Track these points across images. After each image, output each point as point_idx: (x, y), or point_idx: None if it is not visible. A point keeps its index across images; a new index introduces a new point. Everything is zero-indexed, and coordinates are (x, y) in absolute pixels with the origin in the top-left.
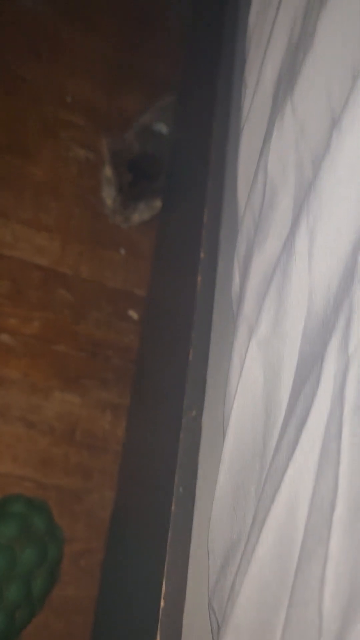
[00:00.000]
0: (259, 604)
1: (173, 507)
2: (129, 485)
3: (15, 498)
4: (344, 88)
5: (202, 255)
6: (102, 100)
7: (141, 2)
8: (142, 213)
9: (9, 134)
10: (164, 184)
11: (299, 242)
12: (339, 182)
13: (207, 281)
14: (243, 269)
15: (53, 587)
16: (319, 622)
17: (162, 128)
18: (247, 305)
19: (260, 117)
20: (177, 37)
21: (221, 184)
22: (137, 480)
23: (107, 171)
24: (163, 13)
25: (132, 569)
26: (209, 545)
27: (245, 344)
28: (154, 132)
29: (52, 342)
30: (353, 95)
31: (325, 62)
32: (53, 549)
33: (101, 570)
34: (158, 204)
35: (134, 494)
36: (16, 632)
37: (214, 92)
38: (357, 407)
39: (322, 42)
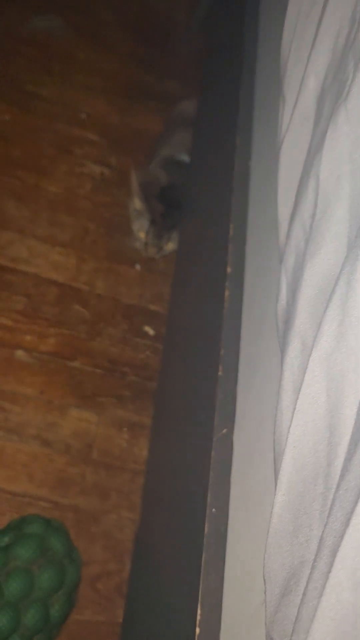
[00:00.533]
0: (337, 636)
1: (206, 529)
2: (155, 506)
3: (32, 519)
4: None
5: (229, 269)
6: (115, 117)
7: (154, 21)
8: (174, 242)
9: (24, 150)
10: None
11: None
12: None
13: (235, 296)
14: (292, 282)
15: (71, 611)
16: None
17: (185, 157)
18: (299, 319)
19: (303, 129)
20: (188, 55)
21: (245, 199)
22: (164, 501)
23: (137, 204)
24: (175, 33)
25: (162, 593)
26: (265, 572)
27: (299, 359)
28: (178, 162)
29: (67, 358)
30: None
31: None
32: (71, 572)
33: (127, 595)
34: None
35: (161, 516)
36: None
37: (236, 109)
38: None
39: None
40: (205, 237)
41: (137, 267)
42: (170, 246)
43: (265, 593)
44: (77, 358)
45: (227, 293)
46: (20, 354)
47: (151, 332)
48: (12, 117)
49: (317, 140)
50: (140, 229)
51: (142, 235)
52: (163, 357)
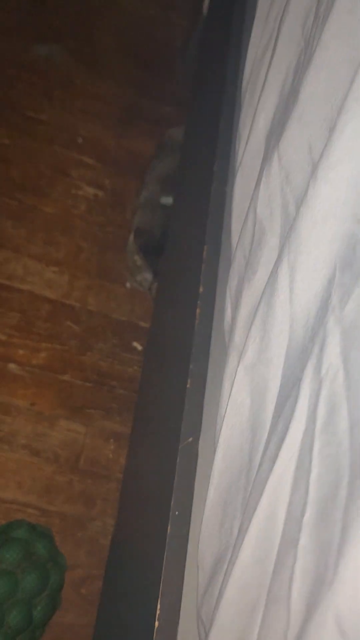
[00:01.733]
0: (240, 606)
1: (169, 530)
2: (128, 511)
3: (18, 524)
4: (322, 142)
5: (201, 289)
6: (110, 141)
7: (151, 47)
8: None
9: (22, 173)
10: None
11: (281, 277)
12: (315, 224)
13: (205, 314)
14: (235, 302)
15: (54, 613)
16: (287, 617)
17: (168, 200)
18: (237, 335)
19: (252, 165)
20: (185, 81)
21: (220, 224)
22: (135, 506)
23: (137, 260)
24: (172, 58)
25: (128, 593)
26: (199, 560)
27: (234, 368)
28: (162, 206)
29: (58, 372)
30: (327, 149)
31: (308, 118)
32: (55, 576)
33: (100, 598)
34: None
35: (132, 520)
36: None
37: (215, 137)
38: (327, 423)
39: (305, 101)
40: (182, 257)
41: (128, 285)
42: None
43: (197, 578)
44: (67, 371)
45: (198, 311)
46: (12, 367)
47: (139, 347)
48: (11, 140)
49: (259, 177)
50: (144, 282)
51: (145, 287)
52: (143, 370)
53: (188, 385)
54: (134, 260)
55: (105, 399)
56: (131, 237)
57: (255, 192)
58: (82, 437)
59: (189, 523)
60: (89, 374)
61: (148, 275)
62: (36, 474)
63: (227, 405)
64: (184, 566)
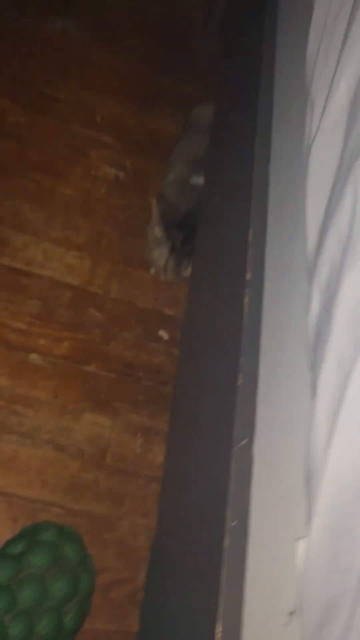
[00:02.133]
0: None
1: (226, 542)
2: (173, 515)
3: (45, 526)
4: None
5: (248, 275)
6: (130, 120)
7: (168, 23)
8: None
9: (39, 153)
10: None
11: None
12: None
13: (254, 303)
14: (326, 293)
15: (84, 621)
16: None
17: (199, 180)
18: (335, 334)
19: (333, 135)
20: (206, 58)
21: (265, 204)
22: (183, 510)
23: (157, 232)
24: (190, 34)
25: (180, 606)
26: (303, 602)
27: (334, 375)
28: (193, 186)
29: (82, 362)
30: None
31: None
32: (85, 581)
33: (142, 603)
34: None
35: (179, 525)
36: None
37: (254, 112)
38: None
39: None
40: (223, 243)
41: (152, 270)
42: (188, 271)
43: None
44: (91, 362)
45: (246, 299)
46: (34, 357)
47: (166, 336)
48: (27, 119)
49: (353, 147)
50: (160, 257)
51: (161, 262)
52: (179, 362)
53: (239, 382)
54: (154, 231)
55: (131, 390)
56: (154, 204)
57: (355, 166)
58: (108, 431)
59: (247, 535)
60: (113, 365)
61: (165, 250)
62: (61, 471)
63: (336, 418)
64: (244, 584)
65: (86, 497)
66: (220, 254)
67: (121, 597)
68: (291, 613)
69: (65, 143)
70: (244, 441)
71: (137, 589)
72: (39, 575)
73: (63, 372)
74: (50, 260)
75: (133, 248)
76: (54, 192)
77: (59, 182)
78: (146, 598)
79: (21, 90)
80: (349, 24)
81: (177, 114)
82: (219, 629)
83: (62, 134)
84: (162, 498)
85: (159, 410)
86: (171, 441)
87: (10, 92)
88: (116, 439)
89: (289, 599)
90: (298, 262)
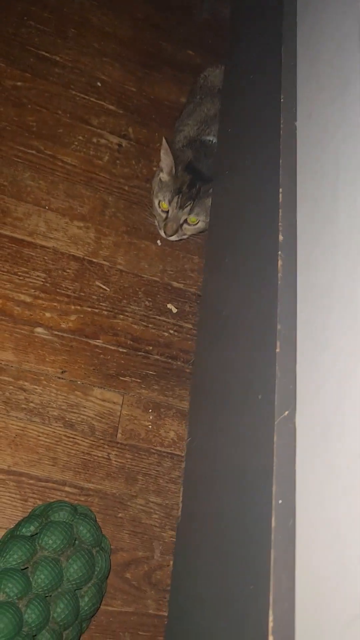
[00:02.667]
0: None
1: (273, 523)
2: (202, 496)
3: (58, 505)
4: None
5: (280, 238)
6: (132, 86)
7: None
8: (198, 215)
9: (39, 118)
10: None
11: None
12: None
13: (288, 266)
14: None
15: (101, 603)
16: None
17: (211, 138)
18: None
19: None
20: (208, 22)
21: (294, 162)
22: (217, 491)
23: (164, 173)
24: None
25: (224, 593)
26: None
27: None
28: (204, 142)
29: (89, 336)
30: None
31: None
32: (101, 562)
33: (172, 587)
34: (208, 203)
35: (212, 507)
36: None
37: (278, 71)
38: None
39: None
40: (248, 206)
41: (159, 242)
42: (189, 229)
43: None
44: (99, 336)
45: (280, 263)
46: (40, 331)
47: (174, 309)
48: (25, 83)
49: None
50: (163, 200)
51: (164, 206)
52: (199, 336)
53: (277, 350)
54: (160, 172)
55: (141, 365)
56: (166, 143)
57: None
58: (119, 407)
59: (294, 514)
60: (122, 339)
61: (168, 194)
62: (71, 449)
63: None
64: (294, 567)
65: (98, 475)
66: (245, 219)
67: (137, 578)
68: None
69: (65, 109)
70: (286, 413)
71: (153, 569)
72: (54, 558)
73: (71, 347)
74: (53, 231)
75: (139, 219)
76: (55, 160)
77: (59, 149)
78: (175, 583)
79: (18, 53)
80: None
81: (179, 80)
82: (270, 617)
83: (62, 99)
84: (188, 479)
85: (169, 385)
86: (194, 418)
87: (6, 55)
88: (127, 415)
89: (354, 594)
90: (333, 220)
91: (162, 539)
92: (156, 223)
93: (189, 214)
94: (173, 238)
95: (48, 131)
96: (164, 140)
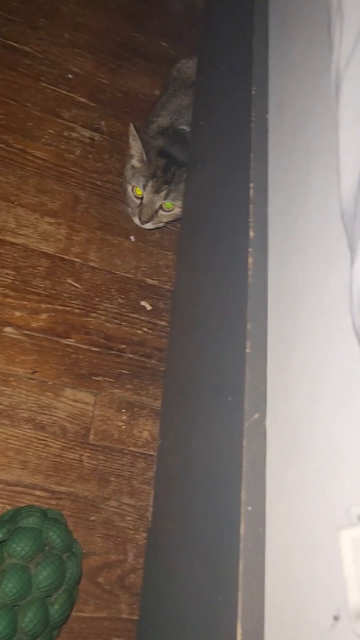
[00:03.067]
0: None
1: (242, 530)
2: (173, 498)
3: (27, 510)
4: None
5: (251, 234)
6: (104, 78)
7: None
8: (174, 200)
9: (8, 111)
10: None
11: None
12: None
13: (259, 263)
14: None
15: (72, 610)
16: None
17: (184, 126)
18: None
19: None
20: (181, 15)
21: (265, 156)
22: (187, 494)
23: (135, 159)
24: None
25: (192, 599)
26: None
27: None
28: (177, 131)
29: (61, 336)
30: None
31: None
32: (72, 567)
33: (142, 591)
34: (183, 188)
35: (182, 510)
36: None
37: (249, 59)
38: None
39: None
40: (218, 201)
41: (132, 238)
42: (165, 215)
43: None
44: (71, 335)
45: (250, 260)
46: (9, 330)
47: (148, 306)
48: None
49: None
50: (137, 186)
51: (138, 192)
52: (170, 334)
53: (247, 350)
54: (131, 160)
55: (114, 364)
56: (133, 129)
57: None
58: (91, 407)
59: (264, 521)
60: (94, 338)
61: (142, 179)
62: (42, 452)
63: None
64: (264, 576)
65: (70, 478)
66: (215, 214)
67: (110, 582)
68: (336, 618)
69: (35, 101)
70: (256, 415)
71: (126, 572)
72: (22, 565)
73: (41, 346)
74: (23, 227)
75: (112, 214)
76: (25, 155)
77: (29, 143)
78: (145, 586)
79: None
80: None
81: (153, 73)
82: (239, 630)
83: (32, 92)
84: (159, 481)
85: (143, 384)
86: (166, 419)
87: None
88: (100, 416)
89: (329, 599)
90: (306, 215)
91: (136, 541)
92: (129, 211)
93: (165, 198)
94: (148, 226)
95: (17, 124)
96: (131, 125)
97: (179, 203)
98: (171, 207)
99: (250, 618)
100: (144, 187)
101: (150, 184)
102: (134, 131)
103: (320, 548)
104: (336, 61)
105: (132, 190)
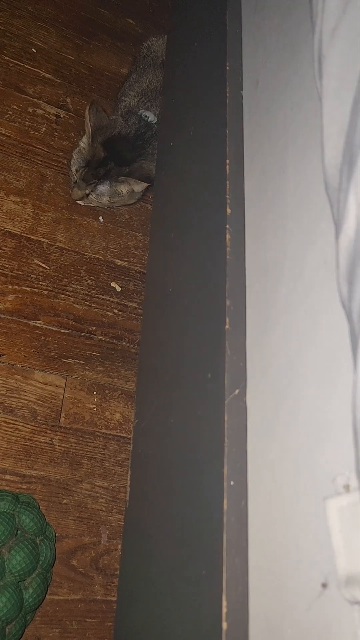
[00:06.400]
0: None
1: (225, 505)
2: (151, 479)
3: None
4: None
5: (228, 210)
6: (70, 54)
7: None
8: (101, 196)
9: None
10: (145, 166)
11: None
12: None
13: (237, 240)
14: None
15: (46, 594)
16: None
17: (149, 116)
18: None
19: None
20: None
21: (240, 132)
22: (167, 473)
23: (84, 141)
24: None
25: (174, 579)
26: None
27: None
28: (140, 118)
29: (29, 317)
30: None
31: None
32: (45, 551)
33: (120, 573)
34: (123, 189)
35: (162, 490)
36: None
37: (223, 35)
38: None
39: None
40: (193, 179)
41: (101, 219)
42: (95, 200)
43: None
44: (39, 317)
45: (228, 237)
46: None
47: (118, 288)
48: None
49: None
50: (74, 164)
51: (73, 170)
52: (145, 315)
53: (227, 326)
54: (82, 140)
55: (84, 346)
56: (88, 113)
57: None
58: (62, 390)
59: (247, 495)
60: (63, 320)
61: (80, 161)
62: (12, 436)
63: None
64: (247, 551)
65: (41, 462)
66: (190, 192)
67: (83, 565)
68: (324, 585)
69: None
70: (236, 391)
71: (100, 554)
72: None
73: (9, 329)
74: None
75: None
76: None
77: None
78: (124, 568)
79: None
80: None
81: (119, 49)
82: (224, 602)
83: None
84: (136, 462)
85: (114, 366)
86: (142, 399)
87: None
88: (70, 398)
89: (316, 568)
90: (284, 191)
91: (109, 522)
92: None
93: (91, 192)
94: (81, 203)
95: None
96: (90, 104)
97: (106, 199)
98: (101, 198)
99: (234, 591)
100: (77, 171)
101: (81, 171)
102: (88, 111)
103: (306, 519)
104: (319, 32)
105: (72, 167)
